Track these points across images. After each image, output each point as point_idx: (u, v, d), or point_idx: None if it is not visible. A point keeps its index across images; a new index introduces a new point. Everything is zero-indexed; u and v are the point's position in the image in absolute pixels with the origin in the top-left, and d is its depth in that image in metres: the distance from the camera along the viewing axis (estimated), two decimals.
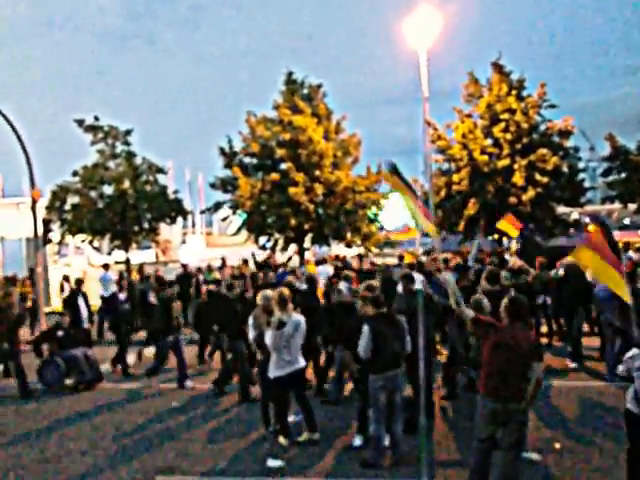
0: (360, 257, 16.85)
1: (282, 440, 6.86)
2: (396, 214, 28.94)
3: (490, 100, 18.82)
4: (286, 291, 6.99)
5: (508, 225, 14.49)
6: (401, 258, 15.73)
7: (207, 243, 37.83)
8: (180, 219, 24.40)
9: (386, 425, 6.19)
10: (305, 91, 21.48)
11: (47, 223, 17.33)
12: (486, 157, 18.38)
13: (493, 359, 4.91)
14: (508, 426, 4.89)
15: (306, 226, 19.95)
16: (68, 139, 23.36)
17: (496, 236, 19.24)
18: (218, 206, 22.13)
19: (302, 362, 6.97)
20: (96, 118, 20.98)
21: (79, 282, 13.27)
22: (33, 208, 16.80)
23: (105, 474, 6.23)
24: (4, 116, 15.92)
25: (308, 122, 19.58)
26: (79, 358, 9.93)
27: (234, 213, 21.82)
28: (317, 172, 19.62)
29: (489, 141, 18.93)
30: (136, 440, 7.28)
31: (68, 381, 10.08)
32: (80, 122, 20.88)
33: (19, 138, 16.31)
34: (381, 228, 22.87)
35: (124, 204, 20.49)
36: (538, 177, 17.80)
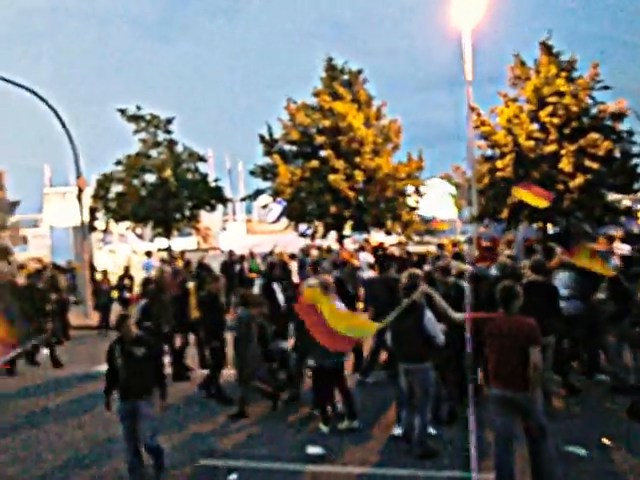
0: (400, 245, 16.66)
1: (322, 427, 6.84)
2: (433, 204, 28.54)
3: (537, 83, 18.15)
4: (329, 278, 6.95)
5: (530, 195, 11.19)
6: (441, 247, 15.43)
7: (247, 230, 38.14)
8: (220, 206, 24.62)
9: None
10: (345, 77, 21.25)
11: (92, 211, 17.74)
12: (532, 142, 17.78)
13: (491, 349, 4.98)
14: (524, 417, 4.85)
15: (346, 213, 19.84)
16: (112, 129, 23.78)
17: (541, 224, 18.70)
18: (258, 193, 22.23)
19: (343, 356, 6.91)
20: (138, 107, 21.30)
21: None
22: (79, 197, 17.19)
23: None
24: (51, 108, 16.29)
25: (348, 109, 19.40)
26: None
27: (274, 200, 21.88)
28: (357, 159, 19.46)
29: (535, 126, 18.29)
30: (179, 424, 7.35)
31: None
32: (123, 111, 21.23)
33: (66, 129, 16.67)
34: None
35: (166, 192, 20.79)
36: (588, 163, 17.11)
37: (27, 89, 16.01)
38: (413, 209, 21.28)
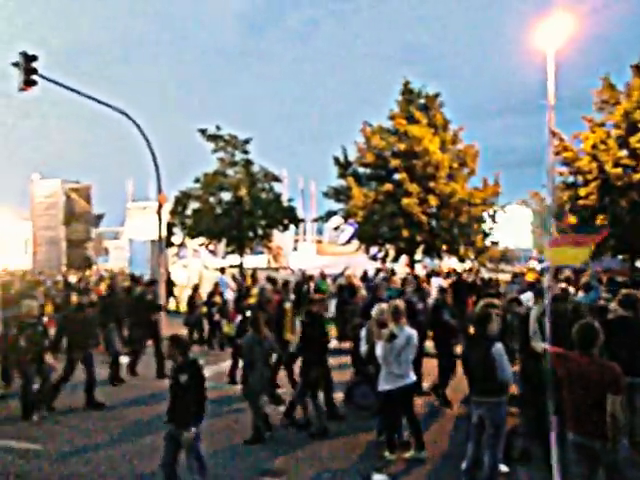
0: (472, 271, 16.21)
1: (388, 454, 6.64)
2: (508, 231, 27.62)
3: (628, 107, 17.28)
4: (401, 304, 6.80)
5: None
6: (516, 275, 14.85)
7: (317, 251, 38.29)
8: (292, 226, 24.90)
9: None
10: (422, 101, 21.12)
11: (170, 226, 18.34)
12: (620, 170, 16.91)
13: (568, 390, 4.63)
14: (606, 469, 4.43)
15: (418, 238, 19.55)
16: (193, 148, 24.72)
17: (627, 256, 17.68)
18: (330, 215, 22.33)
19: (413, 377, 6.72)
20: (218, 127, 22.03)
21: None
22: (159, 212, 17.83)
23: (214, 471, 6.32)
24: (138, 127, 17.06)
25: (424, 132, 19.23)
26: None
27: (346, 222, 21.90)
28: (432, 183, 19.19)
29: (624, 152, 17.40)
30: (243, 441, 7.33)
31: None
32: (203, 131, 22.01)
33: (150, 147, 17.40)
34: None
35: (240, 210, 21.27)
36: None
37: (117, 109, 16.88)
38: (487, 235, 20.70)
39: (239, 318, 9.99)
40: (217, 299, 14.15)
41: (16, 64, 14.90)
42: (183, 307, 18.58)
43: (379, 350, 6.62)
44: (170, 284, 18.16)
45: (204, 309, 14.08)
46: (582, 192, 17.61)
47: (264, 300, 9.59)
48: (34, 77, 15.11)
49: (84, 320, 9.15)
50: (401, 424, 6.94)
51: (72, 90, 16.24)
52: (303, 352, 8.22)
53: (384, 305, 7.42)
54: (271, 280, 13.73)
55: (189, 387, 5.41)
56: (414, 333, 6.72)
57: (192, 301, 13.97)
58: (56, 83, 15.82)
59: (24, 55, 14.87)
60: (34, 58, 15.00)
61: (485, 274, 17.48)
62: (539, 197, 19.35)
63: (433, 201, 19.00)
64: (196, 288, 14.55)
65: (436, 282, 14.18)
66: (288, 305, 9.91)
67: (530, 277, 14.18)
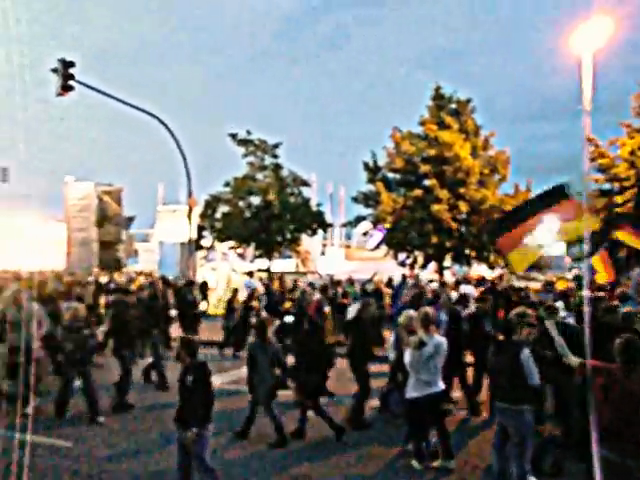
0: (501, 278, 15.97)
1: (415, 464, 6.55)
2: (540, 239, 27.06)
3: None
4: (430, 311, 6.74)
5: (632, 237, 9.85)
6: (549, 284, 14.55)
7: (345, 256, 38.23)
8: (320, 231, 24.91)
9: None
10: (453, 106, 20.93)
11: (200, 230, 18.51)
12: None
13: (604, 405, 4.46)
14: None
15: (447, 244, 19.36)
16: (223, 152, 24.95)
17: None
18: (359, 220, 22.27)
19: (441, 385, 6.63)
20: (248, 132, 22.20)
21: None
22: (189, 215, 18.04)
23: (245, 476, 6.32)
24: (170, 130, 17.32)
25: (455, 138, 19.05)
26: None
27: (374, 227, 21.81)
28: (462, 189, 18.99)
29: None
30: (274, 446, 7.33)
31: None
32: (234, 136, 22.20)
33: (181, 151, 17.64)
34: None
35: (269, 214, 21.36)
36: None
37: (149, 114, 17.16)
38: None
39: (277, 323, 9.97)
40: (255, 303, 14.01)
41: (54, 70, 15.26)
42: (212, 310, 18.76)
43: (407, 357, 6.57)
44: (204, 287, 18.32)
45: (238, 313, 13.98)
46: (619, 199, 17.20)
47: (306, 303, 9.51)
48: (71, 82, 15.47)
49: (131, 321, 9.28)
50: (429, 432, 6.85)
51: (106, 95, 16.58)
52: (353, 356, 8.34)
53: (412, 312, 7.38)
54: (311, 285, 13.80)
55: (196, 389, 5.41)
56: (443, 341, 6.65)
57: (231, 305, 13.89)
58: (92, 88, 16.17)
59: (62, 61, 15.23)
60: (71, 64, 15.34)
61: (515, 282, 17.15)
62: None
63: (463, 207, 18.80)
64: (235, 292, 14.51)
65: (465, 290, 13.99)
66: (327, 309, 9.85)
67: (561, 286, 13.91)
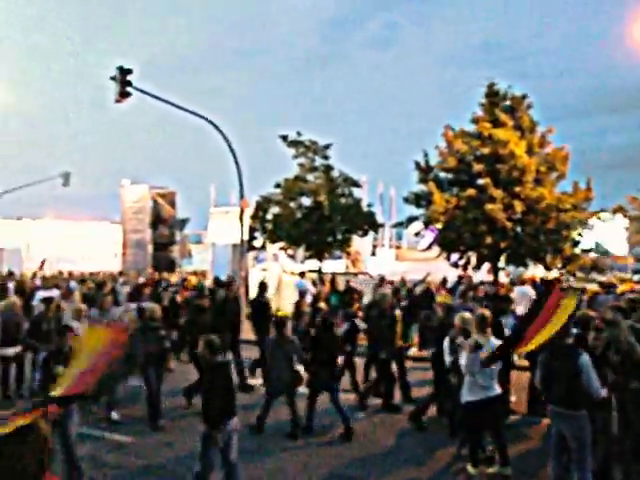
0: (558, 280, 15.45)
1: (470, 469, 6.42)
2: (601, 238, 26.09)
3: None
4: (487, 313, 6.60)
5: None
6: (609, 285, 13.95)
7: (396, 256, 37.91)
8: (371, 231, 24.77)
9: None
10: (507, 103, 20.36)
11: (252, 231, 18.72)
12: None
13: None
14: None
15: (502, 245, 18.85)
16: (273, 153, 25.17)
17: None
18: (410, 221, 22.00)
19: (497, 389, 6.47)
20: (298, 133, 22.30)
21: None
22: (241, 217, 18.26)
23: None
24: (222, 133, 17.59)
25: (510, 135, 18.52)
26: None
27: (426, 228, 21.50)
28: (517, 188, 18.44)
29: None
30: (320, 446, 7.31)
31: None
32: (284, 137, 22.35)
33: (233, 154, 17.89)
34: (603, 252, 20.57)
35: (320, 215, 21.38)
36: None
37: (201, 117, 17.47)
38: (577, 243, 19.65)
39: (345, 326, 9.90)
40: (322, 305, 13.74)
41: (113, 78, 15.77)
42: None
43: (463, 360, 6.44)
44: (263, 288, 18.35)
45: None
46: None
47: (385, 306, 9.34)
48: (128, 89, 15.95)
49: (206, 323, 9.30)
50: (484, 437, 6.70)
51: (161, 100, 16.99)
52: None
53: (467, 314, 7.25)
54: (316, 283, 13.69)
55: (219, 388, 5.58)
56: (500, 344, 6.48)
57: (299, 308, 13.87)
58: (147, 94, 16.61)
59: (120, 69, 15.72)
60: (129, 71, 15.82)
61: (574, 284, 16.54)
62: (638, 202, 18.10)
63: (518, 207, 18.24)
64: (302, 295, 14.27)
65: (521, 291, 13.62)
66: (398, 312, 9.67)
67: (624, 288, 13.34)
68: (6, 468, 2.01)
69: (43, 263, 25.81)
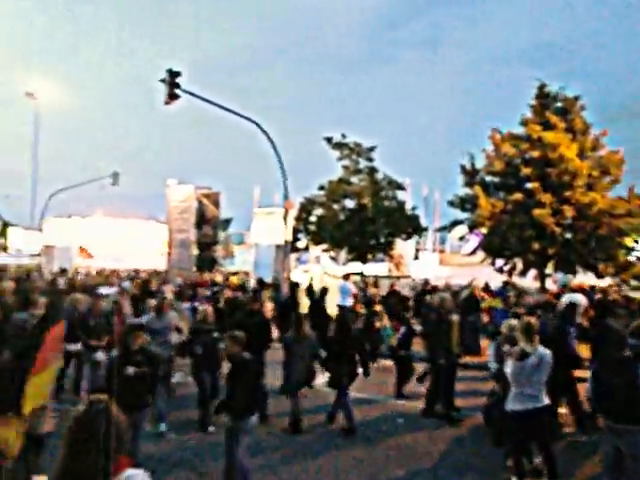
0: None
1: None
2: None
3: None
4: (534, 320, 6.39)
5: None
6: None
7: (440, 261, 37.41)
8: (414, 235, 24.53)
9: None
10: (559, 104, 19.79)
11: (295, 232, 18.78)
12: None
13: None
14: None
15: (550, 251, 18.32)
16: (318, 155, 25.26)
17: None
18: (455, 224, 21.67)
19: (545, 400, 6.25)
20: (343, 136, 22.33)
21: None
22: (285, 218, 18.34)
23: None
24: (267, 135, 17.72)
25: (560, 138, 17.98)
26: None
27: (471, 232, 21.13)
28: (568, 193, 17.89)
29: None
30: (360, 450, 7.23)
31: None
32: (329, 140, 22.38)
33: (278, 155, 17.99)
34: None
35: (363, 218, 21.31)
36: None
37: (247, 118, 17.64)
38: (631, 250, 18.92)
39: (403, 329, 9.77)
40: (377, 307, 13.56)
41: (162, 80, 16.07)
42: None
43: (509, 368, 6.26)
44: (324, 292, 18.32)
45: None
46: None
47: (445, 311, 9.13)
48: (177, 91, 16.23)
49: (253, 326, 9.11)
50: (531, 448, 6.48)
51: (208, 101, 17.23)
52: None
53: (514, 321, 7.07)
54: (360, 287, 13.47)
55: (240, 382, 5.81)
56: (548, 353, 6.27)
57: (354, 311, 13.55)
58: (195, 96, 16.87)
59: (169, 71, 16.02)
60: (178, 74, 16.10)
61: (630, 292, 15.88)
62: None
63: (569, 212, 17.69)
64: (356, 297, 14.21)
65: (567, 299, 13.15)
66: (456, 317, 9.45)
67: None
68: (82, 452, 2.11)
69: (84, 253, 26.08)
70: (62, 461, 2.15)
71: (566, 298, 13.39)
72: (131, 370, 6.01)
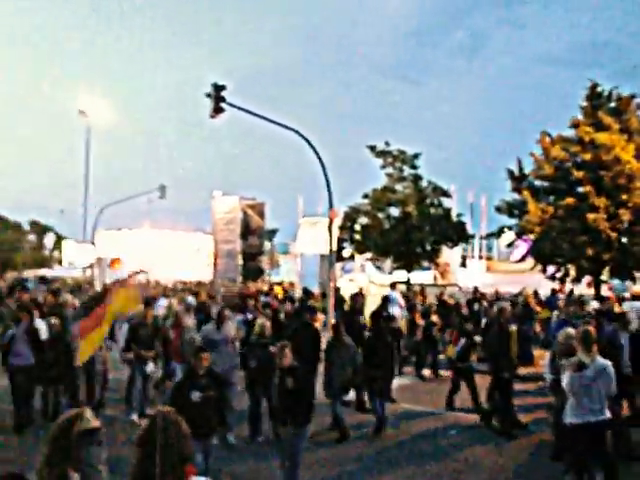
0: None
1: None
2: None
3: None
4: (593, 330, 6.12)
5: None
6: None
7: (487, 268, 36.66)
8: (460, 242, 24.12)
9: None
10: (612, 104, 19.05)
11: (340, 241, 18.71)
12: None
13: None
14: None
15: (605, 257, 17.63)
16: (362, 164, 25.22)
17: None
18: (502, 230, 21.16)
19: (606, 414, 5.95)
20: (387, 143, 22.17)
21: None
22: (330, 227, 18.29)
23: None
24: (310, 144, 17.74)
25: (615, 140, 17.29)
26: None
27: (519, 238, 20.58)
28: (624, 196, 17.18)
29: None
30: (410, 461, 7.08)
31: None
32: (372, 148, 22.28)
33: (322, 165, 17.96)
34: None
35: (408, 226, 21.07)
36: None
37: (291, 129, 17.72)
38: None
39: (463, 341, 9.58)
40: (434, 318, 13.39)
41: (208, 95, 16.34)
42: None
43: (565, 380, 6.00)
44: (386, 301, 18.12)
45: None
46: None
47: (505, 320, 8.89)
48: (222, 105, 16.46)
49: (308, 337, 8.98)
50: (591, 464, 6.19)
51: (252, 114, 17.40)
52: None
53: (571, 330, 6.80)
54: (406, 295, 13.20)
55: (294, 391, 5.90)
56: (608, 364, 5.98)
57: (412, 323, 13.36)
58: (240, 109, 17.06)
59: (214, 85, 16.27)
60: (223, 87, 16.33)
61: None
62: None
63: (625, 216, 16.97)
64: (412, 308, 13.90)
65: (629, 306, 12.61)
66: (514, 327, 9.20)
67: None
68: (147, 460, 2.28)
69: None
70: (135, 467, 2.36)
71: (627, 305, 12.85)
72: (197, 395, 5.69)
